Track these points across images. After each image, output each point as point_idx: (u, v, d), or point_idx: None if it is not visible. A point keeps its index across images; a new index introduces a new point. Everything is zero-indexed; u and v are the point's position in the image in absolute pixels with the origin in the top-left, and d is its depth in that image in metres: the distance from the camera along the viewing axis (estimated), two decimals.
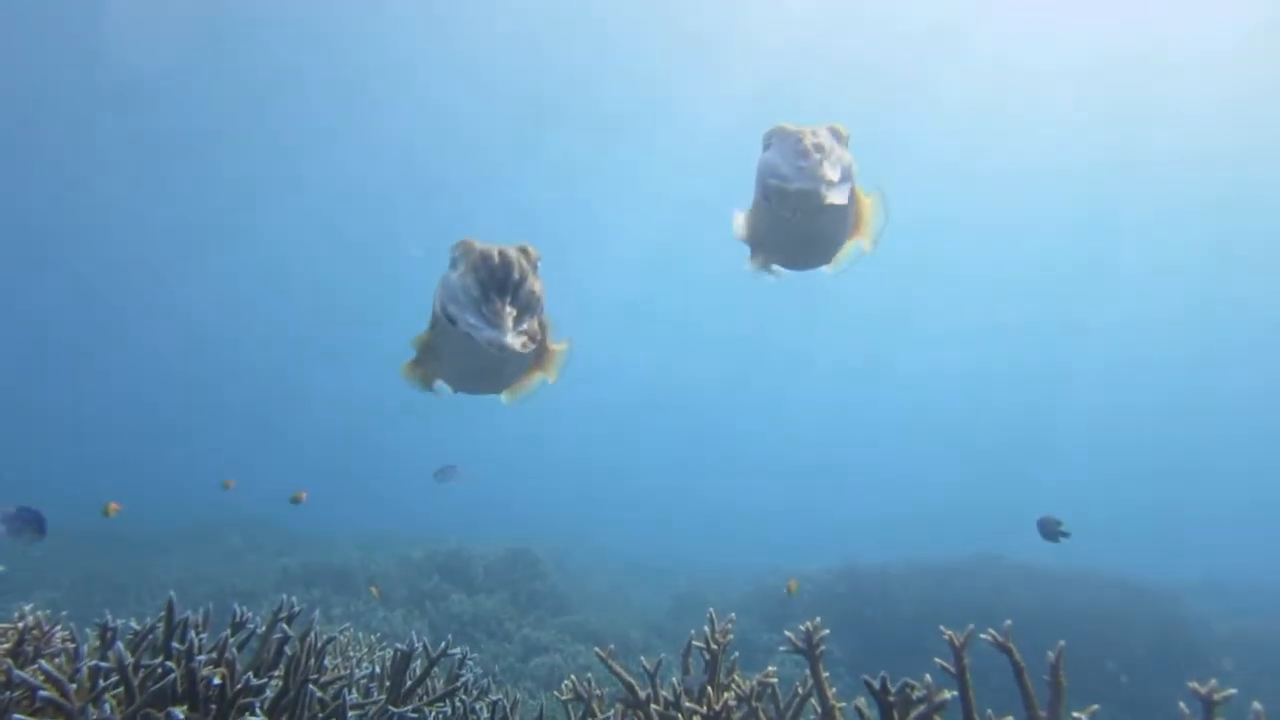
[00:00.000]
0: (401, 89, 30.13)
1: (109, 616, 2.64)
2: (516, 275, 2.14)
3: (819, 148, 2.45)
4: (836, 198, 2.42)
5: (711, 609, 3.30)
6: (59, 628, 2.62)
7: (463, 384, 2.55)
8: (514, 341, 2.05)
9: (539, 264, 2.27)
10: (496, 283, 2.11)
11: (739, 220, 2.84)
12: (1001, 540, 13.75)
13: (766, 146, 2.55)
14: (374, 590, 10.08)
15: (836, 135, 2.55)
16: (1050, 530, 6.03)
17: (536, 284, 2.22)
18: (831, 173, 2.42)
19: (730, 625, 3.17)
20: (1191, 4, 24.64)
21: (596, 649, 3.26)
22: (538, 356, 2.59)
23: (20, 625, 2.55)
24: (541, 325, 2.36)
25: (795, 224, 2.61)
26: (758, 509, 35.63)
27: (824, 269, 2.93)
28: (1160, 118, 29.05)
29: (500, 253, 2.14)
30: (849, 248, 2.88)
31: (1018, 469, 38.93)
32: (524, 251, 2.20)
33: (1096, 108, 29.39)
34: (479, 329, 2.07)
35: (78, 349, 39.00)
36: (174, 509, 17.94)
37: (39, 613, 2.67)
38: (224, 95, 28.86)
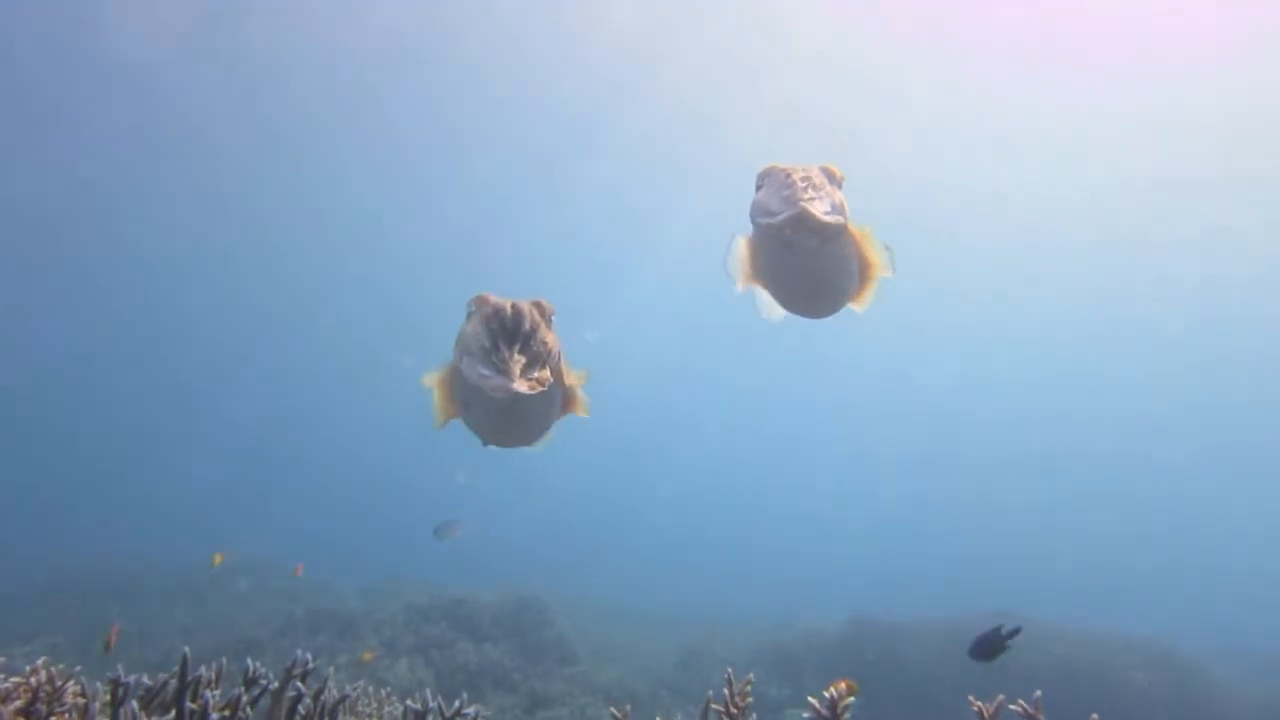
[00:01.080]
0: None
1: (120, 671, 2.60)
2: (527, 326, 2.22)
3: (807, 179, 2.43)
4: (822, 217, 2.38)
5: (729, 669, 3.23)
6: (70, 682, 2.58)
7: (494, 437, 2.60)
8: (521, 387, 2.10)
9: (553, 317, 2.36)
10: (507, 334, 2.19)
11: (736, 254, 2.77)
12: (1017, 595, 13.57)
13: (759, 188, 2.53)
14: (365, 656, 9.79)
15: (829, 175, 2.53)
16: (990, 648, 5.12)
17: (549, 336, 2.31)
18: (818, 202, 2.39)
19: (749, 686, 3.09)
20: None
21: (612, 709, 3.19)
22: (565, 403, 2.67)
23: (33, 681, 2.50)
24: (557, 374, 2.41)
25: (795, 265, 2.59)
26: (768, 553, 35.27)
27: (835, 314, 2.89)
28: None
29: (513, 306, 2.22)
30: (862, 297, 2.84)
31: (1038, 520, 38.37)
32: (538, 305, 2.29)
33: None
34: (488, 378, 2.13)
35: (77, 374, 38.80)
36: (181, 550, 17.86)
37: (52, 667, 2.62)
38: (255, 141, 29.19)
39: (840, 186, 2.55)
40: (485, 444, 2.64)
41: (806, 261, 2.56)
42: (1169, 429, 40.52)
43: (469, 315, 2.29)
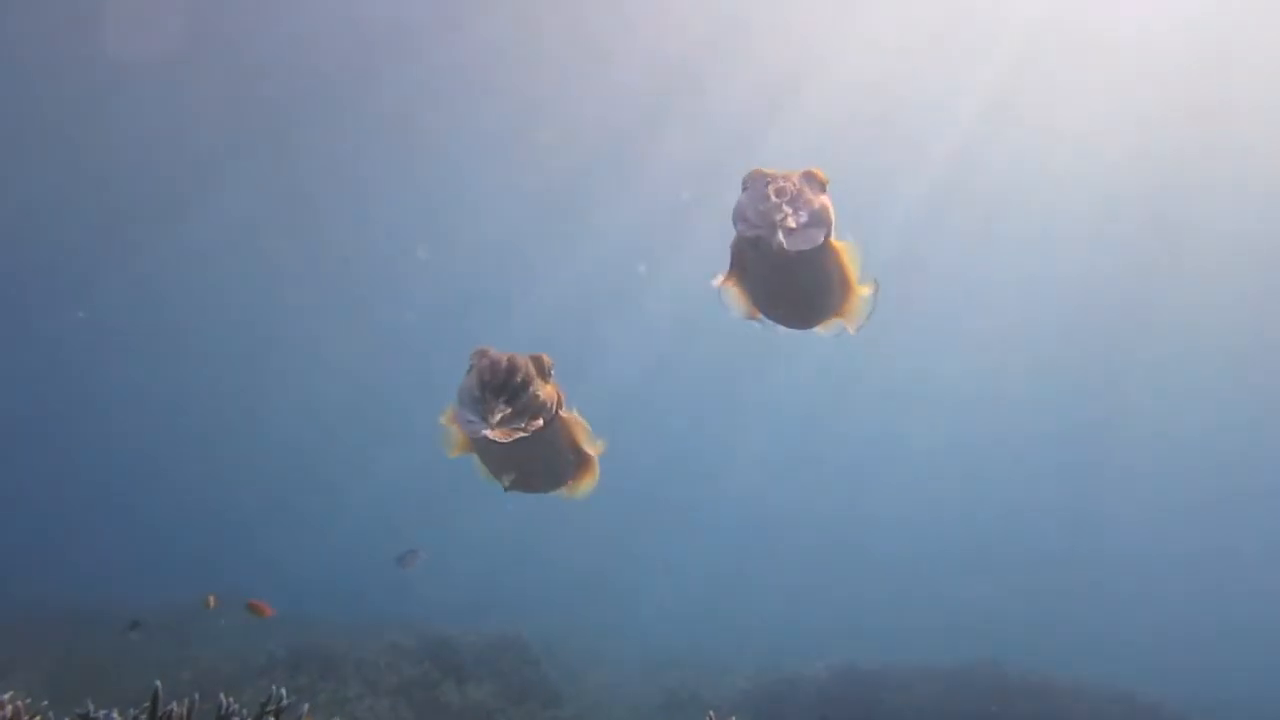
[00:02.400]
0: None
1: (90, 706, 2.56)
2: (518, 380, 2.41)
3: (782, 192, 2.39)
4: (793, 244, 2.36)
5: (711, 712, 3.20)
6: (37, 719, 2.54)
7: (511, 484, 2.78)
8: (494, 434, 2.30)
9: (552, 370, 2.51)
10: (495, 385, 2.37)
11: (729, 293, 2.74)
12: (1014, 648, 13.47)
13: (744, 190, 2.50)
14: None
15: (811, 180, 2.46)
16: None
17: (544, 389, 2.47)
18: (792, 219, 2.36)
19: None
20: None
21: None
22: (579, 465, 2.84)
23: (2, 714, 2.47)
24: (566, 423, 2.63)
25: (773, 276, 2.57)
26: (760, 590, 34.89)
27: (821, 329, 2.84)
28: None
29: (508, 359, 2.40)
30: (849, 313, 2.80)
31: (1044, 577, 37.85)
32: (536, 360, 2.45)
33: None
34: (472, 425, 2.34)
35: (67, 398, 38.35)
36: (164, 584, 17.67)
37: (18, 701, 2.59)
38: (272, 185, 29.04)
39: (825, 191, 2.49)
40: (505, 489, 2.80)
41: (782, 267, 2.51)
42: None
43: (470, 367, 2.45)
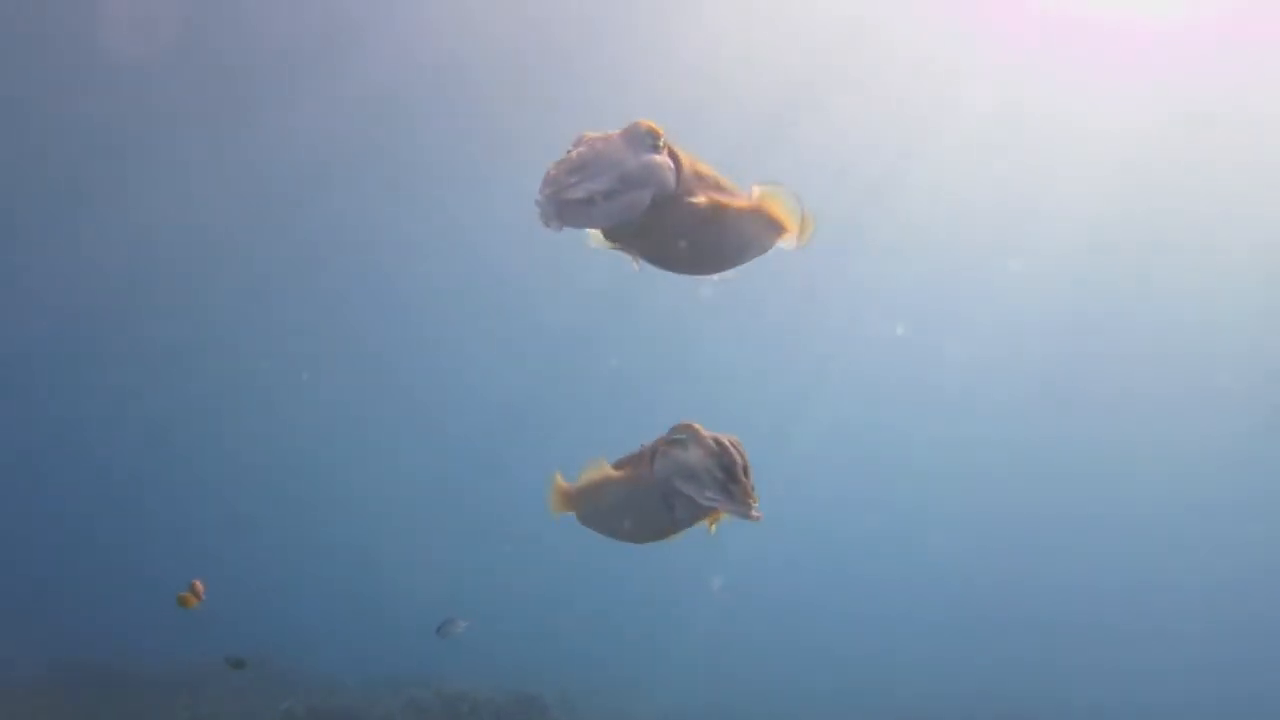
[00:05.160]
0: None
1: None
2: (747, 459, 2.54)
3: (567, 164, 2.09)
4: (572, 218, 2.07)
5: None
6: None
7: (628, 536, 2.91)
8: (757, 515, 2.45)
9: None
10: (745, 465, 2.50)
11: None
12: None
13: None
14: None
15: (633, 139, 2.17)
16: None
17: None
18: (574, 190, 2.05)
19: None
20: None
21: None
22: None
23: None
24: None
25: (655, 240, 2.34)
26: (759, 640, 34.18)
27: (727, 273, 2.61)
28: None
29: (731, 441, 2.53)
30: (786, 237, 2.56)
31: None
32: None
33: None
34: (717, 503, 2.48)
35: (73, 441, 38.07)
36: (174, 641, 17.53)
37: None
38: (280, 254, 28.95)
39: (650, 147, 2.18)
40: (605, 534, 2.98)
41: (640, 236, 2.29)
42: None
43: (679, 443, 2.55)
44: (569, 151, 2.13)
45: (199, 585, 6.80)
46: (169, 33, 20.74)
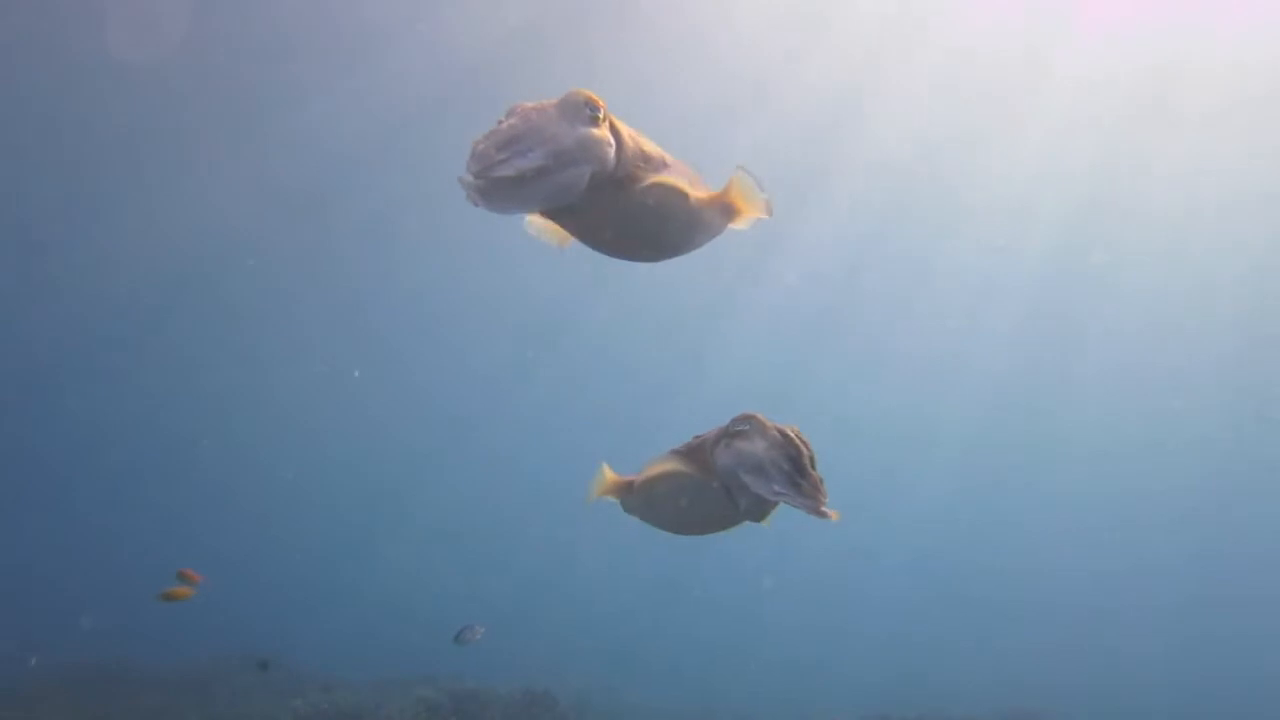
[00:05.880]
0: None
1: None
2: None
3: (495, 137, 1.88)
4: (499, 200, 1.87)
5: None
6: None
7: (679, 529, 2.87)
8: (834, 515, 2.34)
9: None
10: (808, 460, 2.43)
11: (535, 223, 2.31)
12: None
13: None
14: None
15: (570, 109, 1.97)
16: None
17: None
18: (503, 167, 1.84)
19: None
20: None
21: None
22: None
23: None
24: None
25: (597, 223, 2.16)
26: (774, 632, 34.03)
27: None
28: None
29: (795, 432, 2.47)
30: (741, 217, 2.41)
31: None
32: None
33: None
34: (785, 497, 2.39)
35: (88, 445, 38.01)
36: (182, 642, 17.53)
37: None
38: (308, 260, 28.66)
39: (598, 121, 2.01)
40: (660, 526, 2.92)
41: (584, 211, 2.09)
42: None
43: (742, 433, 2.47)
44: (499, 122, 1.93)
45: (191, 574, 6.66)
46: (181, 34, 20.75)
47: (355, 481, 41.08)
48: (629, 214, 2.13)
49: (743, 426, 2.48)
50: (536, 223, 2.26)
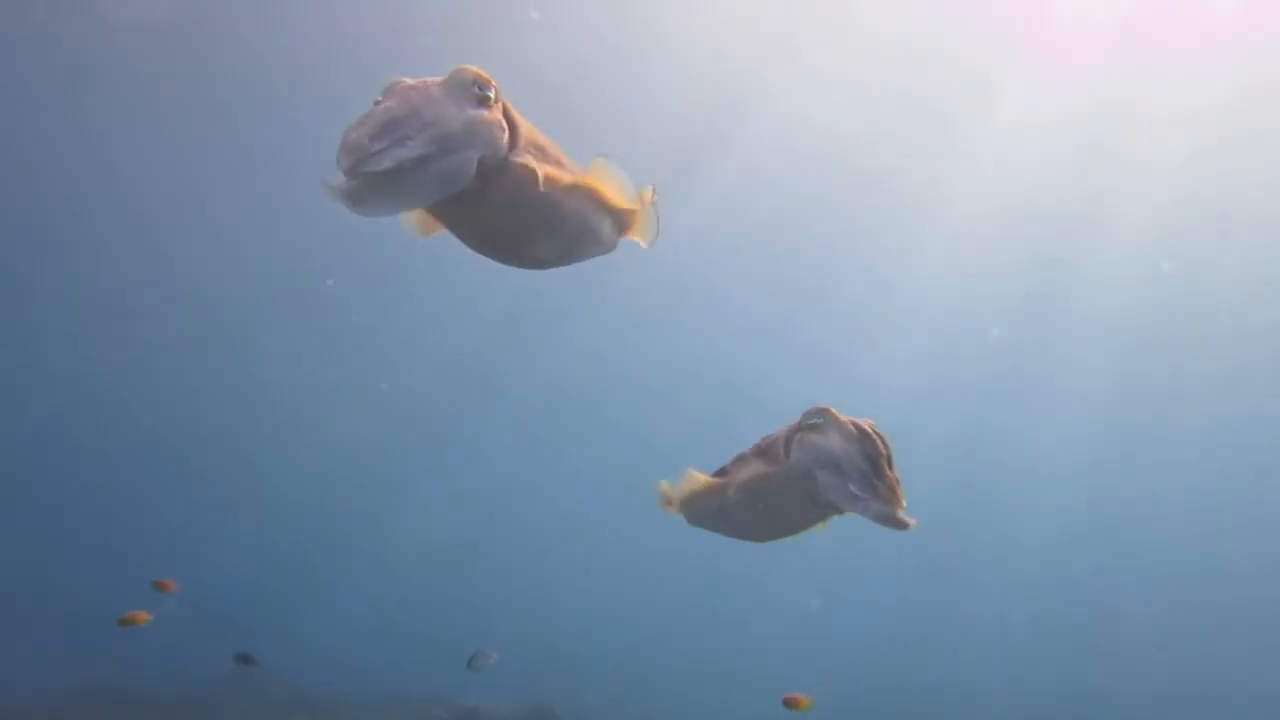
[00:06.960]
0: None
1: None
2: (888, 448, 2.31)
3: (370, 121, 1.63)
4: (378, 199, 1.61)
5: None
6: None
7: (749, 535, 2.71)
8: (912, 522, 2.18)
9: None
10: (885, 459, 2.26)
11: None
12: None
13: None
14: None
15: (457, 88, 1.74)
16: None
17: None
18: (381, 157, 1.58)
19: None
20: None
21: None
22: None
23: None
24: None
25: (478, 217, 1.93)
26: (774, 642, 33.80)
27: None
28: None
29: (871, 427, 2.30)
30: (631, 231, 2.25)
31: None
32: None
33: None
34: (861, 502, 2.21)
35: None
36: (181, 657, 17.49)
37: None
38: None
39: (489, 103, 1.79)
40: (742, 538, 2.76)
41: (467, 200, 1.84)
42: None
43: (815, 427, 2.33)
44: (375, 103, 1.69)
45: (167, 584, 6.51)
46: (170, 39, 20.89)
47: (355, 492, 41.07)
48: (514, 207, 1.91)
49: (816, 420, 2.35)
50: (416, 218, 2.04)
